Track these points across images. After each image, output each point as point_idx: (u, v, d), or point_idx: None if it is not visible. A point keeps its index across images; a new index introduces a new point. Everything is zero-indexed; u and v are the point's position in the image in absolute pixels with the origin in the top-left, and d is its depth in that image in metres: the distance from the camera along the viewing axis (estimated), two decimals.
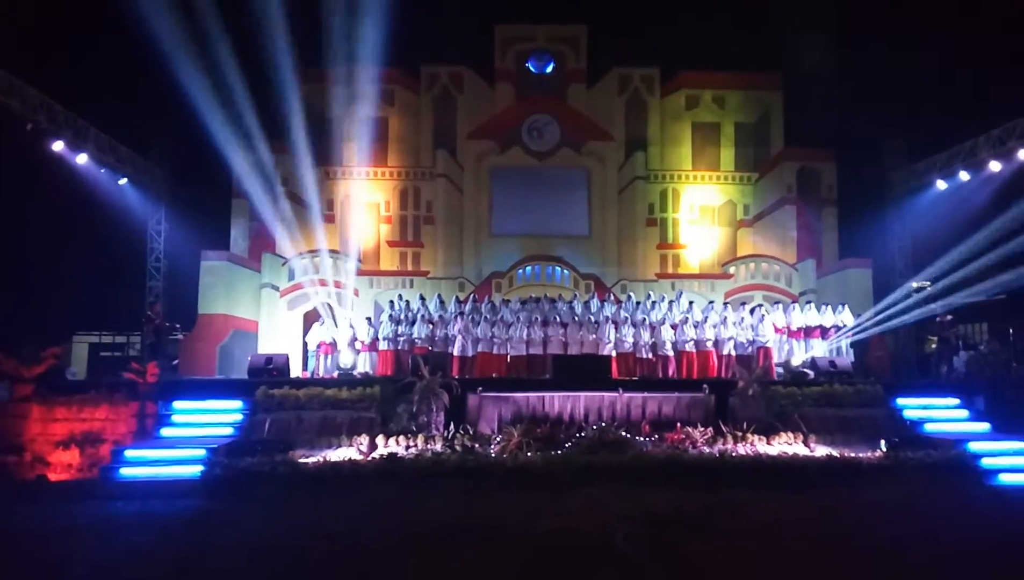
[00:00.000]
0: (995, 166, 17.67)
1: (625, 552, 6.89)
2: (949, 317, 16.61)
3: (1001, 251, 16.59)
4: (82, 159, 17.08)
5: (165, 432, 11.64)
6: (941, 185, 19.40)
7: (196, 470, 9.97)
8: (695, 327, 16.03)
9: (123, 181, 18.81)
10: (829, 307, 17.16)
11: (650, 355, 15.77)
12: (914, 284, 18.49)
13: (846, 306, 17.16)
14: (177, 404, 12.21)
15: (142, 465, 10.17)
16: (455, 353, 15.67)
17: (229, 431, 11.67)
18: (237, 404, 12.29)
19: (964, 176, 18.63)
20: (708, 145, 25.77)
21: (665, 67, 25.72)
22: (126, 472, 10.05)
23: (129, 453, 10.45)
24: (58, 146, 16.34)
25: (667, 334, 15.79)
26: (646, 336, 15.81)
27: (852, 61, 24.62)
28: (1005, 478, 10.39)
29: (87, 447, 11.18)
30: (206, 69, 17.41)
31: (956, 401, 13.08)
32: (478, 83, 25.58)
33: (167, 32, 16.41)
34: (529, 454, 10.78)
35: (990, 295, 17.26)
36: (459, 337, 15.65)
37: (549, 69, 25.46)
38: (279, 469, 10.00)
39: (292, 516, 8.51)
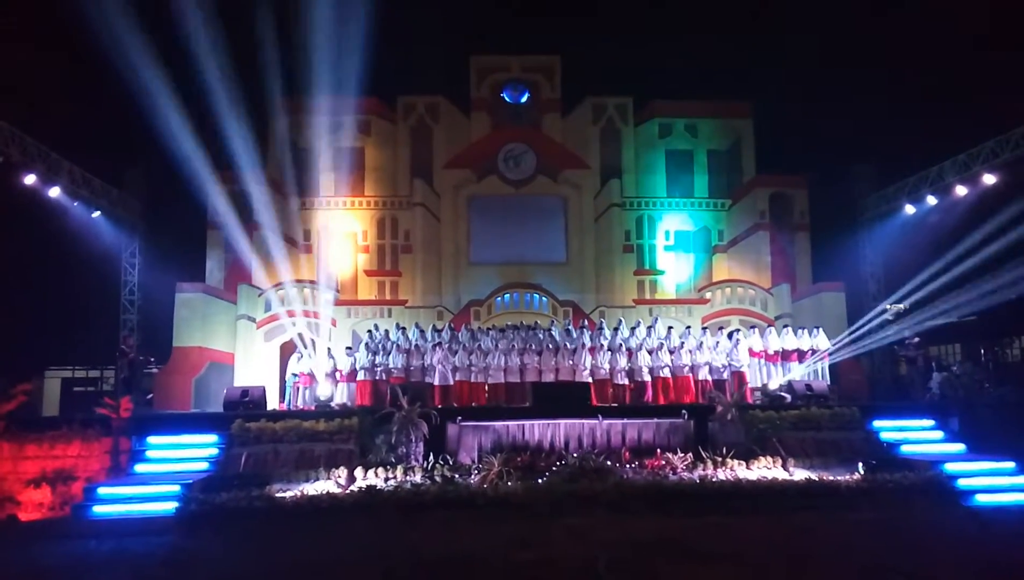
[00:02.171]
0: (961, 190, 18.10)
1: None
2: (916, 339, 16.83)
3: (970, 272, 16.91)
4: (55, 192, 16.93)
5: (139, 468, 11.43)
6: (910, 209, 19.85)
7: (171, 507, 9.81)
8: (671, 353, 16.11)
9: (96, 214, 18.62)
10: (805, 331, 17.33)
11: (627, 381, 15.80)
12: (889, 306, 18.77)
13: (820, 329, 17.32)
14: (151, 439, 12.00)
15: (116, 502, 9.98)
16: (435, 382, 15.58)
17: (205, 466, 11.47)
18: (212, 438, 12.07)
19: (932, 200, 19.06)
20: (682, 172, 26.09)
21: (638, 96, 26.17)
22: (99, 510, 9.86)
23: (102, 490, 10.24)
24: (30, 179, 16.21)
25: (644, 360, 15.85)
26: (623, 362, 15.85)
27: (822, 88, 25.23)
28: (981, 498, 10.51)
29: (59, 485, 10.93)
30: (181, 100, 17.41)
31: (931, 422, 13.21)
32: (454, 113, 25.77)
33: (141, 64, 16.41)
34: (510, 483, 10.73)
35: (961, 317, 17.51)
36: (438, 366, 15.57)
37: (524, 99, 25.77)
38: (256, 504, 9.87)
39: (270, 552, 8.37)
